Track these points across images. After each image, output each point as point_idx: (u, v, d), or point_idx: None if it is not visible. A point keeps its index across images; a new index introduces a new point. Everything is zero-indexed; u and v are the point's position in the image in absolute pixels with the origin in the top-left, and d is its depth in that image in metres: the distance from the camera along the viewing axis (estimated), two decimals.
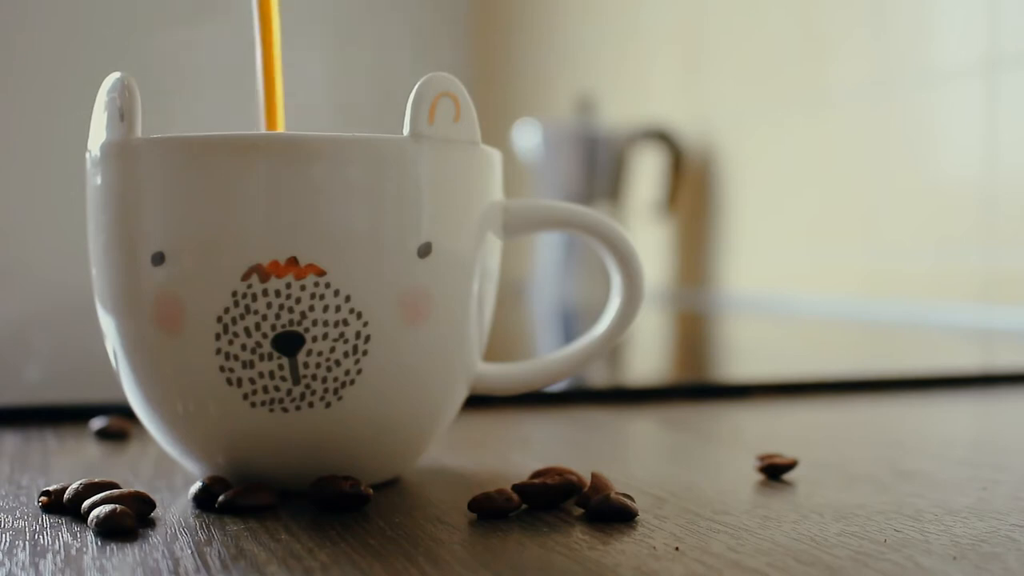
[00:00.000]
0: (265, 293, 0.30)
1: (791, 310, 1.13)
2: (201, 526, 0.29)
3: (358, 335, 0.31)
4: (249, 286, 0.30)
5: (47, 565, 0.25)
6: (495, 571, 0.25)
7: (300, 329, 0.30)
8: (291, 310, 0.30)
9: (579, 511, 0.30)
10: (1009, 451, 0.42)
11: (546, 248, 1.37)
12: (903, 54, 1.07)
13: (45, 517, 0.30)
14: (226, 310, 0.30)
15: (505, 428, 0.44)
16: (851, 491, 0.33)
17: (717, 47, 1.39)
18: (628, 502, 0.30)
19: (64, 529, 0.28)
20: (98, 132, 0.32)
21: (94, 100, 0.32)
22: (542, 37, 1.88)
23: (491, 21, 2.08)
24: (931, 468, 0.37)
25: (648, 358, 0.75)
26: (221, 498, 0.30)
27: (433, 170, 0.32)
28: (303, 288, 0.30)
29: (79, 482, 0.30)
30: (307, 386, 0.31)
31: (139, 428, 0.39)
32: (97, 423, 0.41)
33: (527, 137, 1.42)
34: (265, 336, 0.30)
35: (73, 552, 0.26)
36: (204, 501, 0.31)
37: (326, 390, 0.31)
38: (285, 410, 0.31)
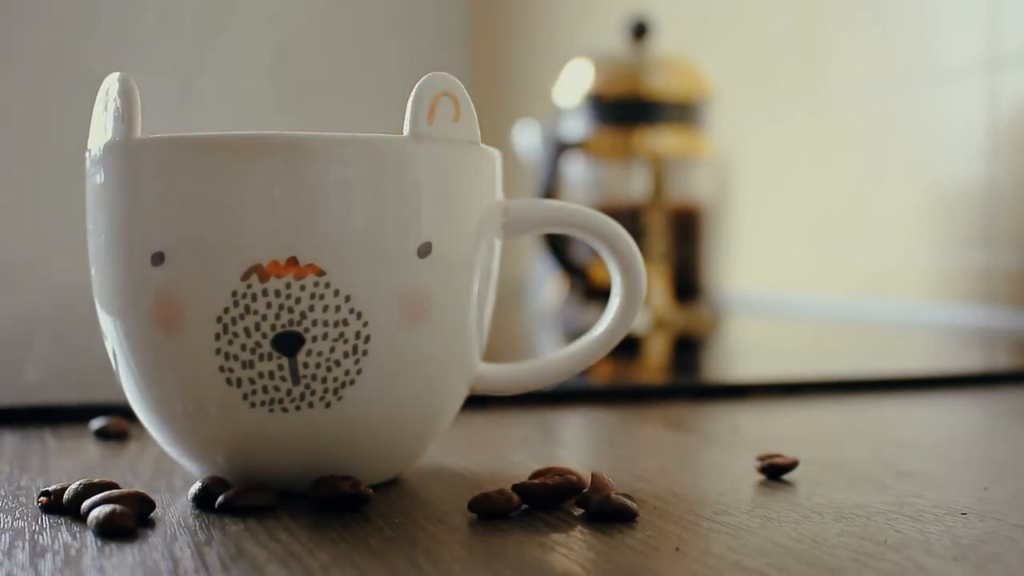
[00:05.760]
0: (265, 293, 0.30)
1: (791, 310, 1.13)
2: (201, 526, 0.29)
3: (358, 335, 0.31)
4: (249, 286, 0.30)
5: (47, 565, 0.25)
6: (495, 571, 0.25)
7: (300, 329, 0.30)
8: (291, 310, 0.30)
9: (579, 511, 0.30)
10: (1010, 451, 0.42)
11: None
12: (904, 53, 1.07)
13: (45, 517, 0.30)
14: (226, 310, 0.30)
15: (505, 428, 0.44)
16: (851, 491, 0.33)
17: (717, 46, 1.39)
18: (628, 502, 0.30)
19: (64, 529, 0.28)
20: (98, 132, 0.32)
21: (94, 100, 0.32)
22: (542, 37, 1.88)
23: (491, 21, 2.08)
24: (931, 468, 0.37)
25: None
26: (221, 498, 0.30)
27: (433, 170, 0.31)
28: (303, 288, 0.30)
29: (79, 482, 0.30)
30: (307, 386, 0.31)
31: (139, 428, 0.39)
32: (97, 423, 0.41)
33: (527, 137, 1.42)
34: (265, 336, 0.30)
35: (73, 552, 0.26)
36: (204, 501, 0.31)
37: (326, 390, 0.31)
38: (285, 410, 0.31)
